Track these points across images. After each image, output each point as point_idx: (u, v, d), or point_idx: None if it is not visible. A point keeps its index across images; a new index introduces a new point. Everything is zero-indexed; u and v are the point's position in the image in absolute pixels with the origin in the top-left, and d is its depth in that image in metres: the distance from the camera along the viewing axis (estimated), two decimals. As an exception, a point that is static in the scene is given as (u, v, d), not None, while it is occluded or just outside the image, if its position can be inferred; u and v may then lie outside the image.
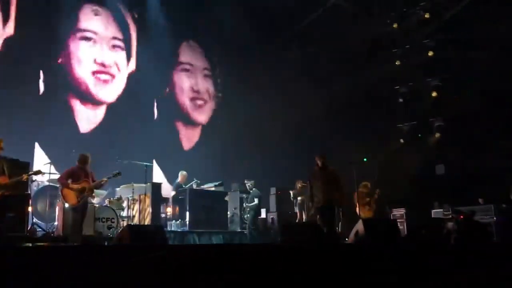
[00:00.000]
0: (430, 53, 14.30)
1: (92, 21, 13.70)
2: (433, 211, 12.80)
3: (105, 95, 13.72)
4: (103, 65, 13.68)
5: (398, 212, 13.02)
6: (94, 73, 13.51)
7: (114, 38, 14.07)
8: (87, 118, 13.29)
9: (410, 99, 14.84)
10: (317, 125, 14.74)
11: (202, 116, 16.36)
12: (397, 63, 14.90)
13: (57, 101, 12.55)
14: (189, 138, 15.99)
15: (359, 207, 10.63)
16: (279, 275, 5.08)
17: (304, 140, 14.77)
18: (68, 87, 13.09)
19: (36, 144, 11.71)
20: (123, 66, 14.15)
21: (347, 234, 8.62)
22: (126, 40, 14.33)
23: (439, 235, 8.51)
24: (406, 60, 14.84)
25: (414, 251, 6.55)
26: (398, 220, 11.08)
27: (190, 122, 16.05)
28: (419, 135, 14.83)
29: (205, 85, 16.58)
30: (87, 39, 13.49)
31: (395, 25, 14.89)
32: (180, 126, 15.80)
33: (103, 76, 13.71)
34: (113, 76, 13.89)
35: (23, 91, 11.65)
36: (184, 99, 15.96)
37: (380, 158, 14.06)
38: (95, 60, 13.55)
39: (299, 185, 13.04)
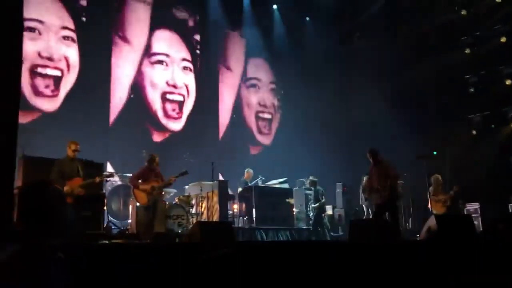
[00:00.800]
0: (503, 39, 13.59)
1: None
2: (510, 205, 12.19)
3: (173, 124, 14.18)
4: (174, 86, 14.11)
5: (472, 206, 12.51)
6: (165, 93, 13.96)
7: (184, 59, 14.52)
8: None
9: (482, 88, 14.17)
10: (383, 119, 14.38)
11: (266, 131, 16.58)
12: (467, 51, 14.27)
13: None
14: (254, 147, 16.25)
15: (431, 203, 10.27)
16: (348, 272, 5.02)
17: (370, 134, 14.46)
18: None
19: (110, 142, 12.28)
20: (192, 87, 14.57)
21: (418, 231, 8.36)
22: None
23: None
24: (476, 47, 14.19)
25: (491, 248, 6.24)
26: (472, 215, 10.62)
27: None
28: (492, 125, 14.13)
29: (270, 97, 16.77)
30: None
31: (463, 12, 14.28)
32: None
33: (176, 97, 14.16)
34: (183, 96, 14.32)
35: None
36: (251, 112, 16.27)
37: (451, 151, 13.52)
38: (167, 82, 14.03)
39: (365, 179, 12.82)
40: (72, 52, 12.15)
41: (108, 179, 9.45)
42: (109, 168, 11.62)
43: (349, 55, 15.84)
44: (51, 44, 11.73)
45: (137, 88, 13.47)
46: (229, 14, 15.08)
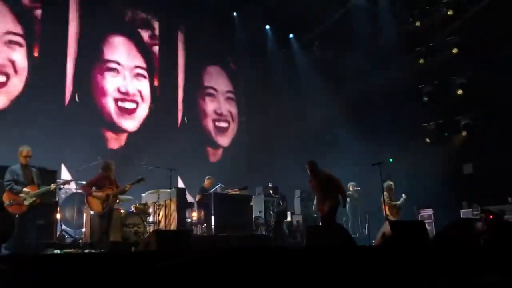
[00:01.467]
0: (455, 50, 14.07)
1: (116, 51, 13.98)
2: (461, 211, 12.58)
3: (128, 124, 13.99)
4: (127, 94, 13.94)
5: (426, 212, 12.86)
6: (117, 101, 13.76)
7: (137, 67, 14.35)
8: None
9: (435, 97, 14.61)
10: (340, 126, 14.63)
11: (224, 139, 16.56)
12: (421, 61, 14.71)
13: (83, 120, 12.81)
14: (214, 153, 16.15)
15: (385, 208, 10.48)
16: (305, 278, 5.04)
17: (328, 141, 14.68)
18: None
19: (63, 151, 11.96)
20: (146, 94, 14.42)
21: (373, 236, 8.51)
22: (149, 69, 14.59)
23: (468, 236, 8.32)
24: (430, 58, 14.64)
25: (442, 253, 6.41)
26: (426, 221, 10.90)
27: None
28: (446, 133, 14.58)
29: (227, 107, 16.76)
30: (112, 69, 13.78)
31: (417, 23, 14.71)
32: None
33: (127, 105, 13.97)
34: (137, 103, 14.14)
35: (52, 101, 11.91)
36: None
37: (406, 158, 13.87)
38: (118, 90, 13.82)
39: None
40: (18, 56, 11.87)
41: (63, 186, 9.20)
42: (64, 175, 11.34)
43: (308, 63, 16.05)
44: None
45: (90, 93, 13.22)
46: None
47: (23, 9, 12.17)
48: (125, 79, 13.97)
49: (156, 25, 14.92)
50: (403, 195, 11.00)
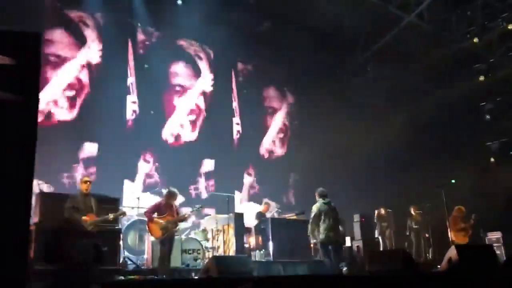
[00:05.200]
0: (516, 65, 13.58)
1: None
2: (533, 233, 11.93)
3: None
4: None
5: (494, 236, 12.27)
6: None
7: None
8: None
9: (498, 115, 14.08)
10: (399, 149, 14.30)
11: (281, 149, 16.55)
12: (481, 78, 14.24)
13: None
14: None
15: (452, 233, 10.09)
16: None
17: (388, 165, 14.35)
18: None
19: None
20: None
21: (439, 261, 8.19)
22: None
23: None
24: (490, 75, 14.16)
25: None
26: (494, 245, 10.40)
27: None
28: (511, 152, 13.96)
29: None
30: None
31: (475, 40, 14.27)
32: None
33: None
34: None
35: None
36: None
37: (470, 179, 13.35)
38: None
39: (383, 211, 12.71)
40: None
41: (121, 216, 9.45)
42: (126, 202, 11.66)
43: (363, 86, 15.87)
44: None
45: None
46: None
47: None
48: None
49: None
50: (473, 215, 10.56)
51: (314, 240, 9.37)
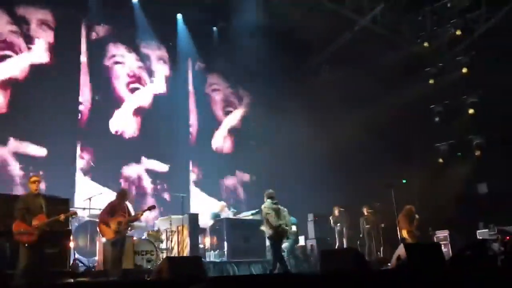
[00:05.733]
0: (464, 70, 14.07)
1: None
2: (478, 232, 12.39)
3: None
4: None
5: (442, 234, 12.69)
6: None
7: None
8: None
9: (447, 117, 14.57)
10: (352, 149, 14.57)
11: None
12: (431, 81, 14.70)
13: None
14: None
15: (403, 231, 10.36)
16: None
17: (340, 164, 14.59)
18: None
19: (77, 177, 12.02)
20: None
21: (390, 260, 8.40)
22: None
23: (485, 257, 8.17)
24: (440, 78, 14.63)
25: (459, 275, 6.29)
26: (441, 243, 10.76)
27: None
28: (458, 153, 14.48)
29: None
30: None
31: (426, 44, 14.72)
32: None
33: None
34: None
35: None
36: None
37: (419, 179, 13.75)
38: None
39: (336, 211, 12.91)
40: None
41: (73, 217, 9.18)
42: (77, 203, 11.36)
43: (318, 87, 16.07)
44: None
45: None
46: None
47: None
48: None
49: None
50: (415, 216, 10.89)
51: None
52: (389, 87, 14.68)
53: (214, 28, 15.33)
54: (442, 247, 9.08)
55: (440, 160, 14.60)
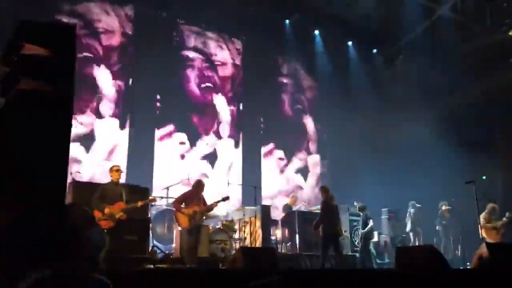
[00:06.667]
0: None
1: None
2: None
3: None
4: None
5: (526, 234, 11.95)
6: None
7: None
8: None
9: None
10: (429, 143, 14.03)
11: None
12: (516, 72, 13.86)
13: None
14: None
15: (483, 230, 9.89)
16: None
17: (416, 158, 14.09)
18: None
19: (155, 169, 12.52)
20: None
21: (468, 259, 8.07)
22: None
23: None
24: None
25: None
26: (528, 243, 10.13)
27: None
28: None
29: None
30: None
31: (511, 32, 13.89)
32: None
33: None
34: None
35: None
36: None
37: (503, 175, 13.04)
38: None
39: (412, 207, 12.57)
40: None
41: (152, 203, 9.55)
42: (156, 192, 11.81)
43: (393, 78, 15.63)
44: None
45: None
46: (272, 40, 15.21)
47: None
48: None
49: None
50: (507, 213, 10.33)
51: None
52: (469, 78, 13.99)
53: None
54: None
55: (526, 155, 13.75)
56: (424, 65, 14.78)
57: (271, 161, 15.22)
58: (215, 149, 14.05)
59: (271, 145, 15.38)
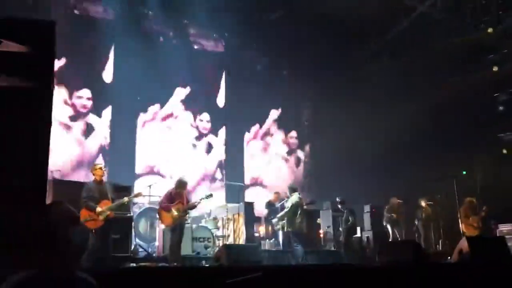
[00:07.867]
0: (531, 57, 13.36)
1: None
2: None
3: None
4: None
5: (505, 227, 12.15)
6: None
7: None
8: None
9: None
10: (411, 139, 14.17)
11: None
12: (495, 69, 14.03)
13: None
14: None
15: (463, 225, 10.04)
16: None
17: (397, 154, 14.22)
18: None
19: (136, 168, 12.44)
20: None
21: (449, 253, 8.18)
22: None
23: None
24: (504, 65, 13.95)
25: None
26: (506, 237, 10.31)
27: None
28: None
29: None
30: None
31: (490, 30, 14.03)
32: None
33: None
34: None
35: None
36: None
37: (481, 170, 13.23)
38: None
39: (394, 202, 12.68)
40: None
41: (136, 200, 9.50)
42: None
43: (376, 74, 15.71)
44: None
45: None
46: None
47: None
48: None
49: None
50: (484, 207, 10.50)
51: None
52: (451, 75, 14.15)
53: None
54: (507, 242, 8.70)
55: (504, 151, 13.97)
56: (405, 63, 14.90)
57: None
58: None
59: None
